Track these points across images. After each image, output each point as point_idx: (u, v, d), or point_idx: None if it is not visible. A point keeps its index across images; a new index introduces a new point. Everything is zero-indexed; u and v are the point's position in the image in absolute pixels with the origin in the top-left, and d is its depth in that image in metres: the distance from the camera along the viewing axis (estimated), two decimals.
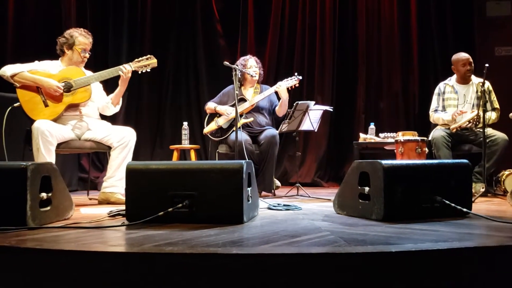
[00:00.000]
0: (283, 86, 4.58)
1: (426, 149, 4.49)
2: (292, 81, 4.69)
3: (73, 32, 3.94)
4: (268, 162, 4.45)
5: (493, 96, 4.77)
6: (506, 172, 4.41)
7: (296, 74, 4.74)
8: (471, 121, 4.50)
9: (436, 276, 1.62)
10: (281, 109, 4.73)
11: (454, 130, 4.61)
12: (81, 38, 3.93)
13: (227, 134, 4.62)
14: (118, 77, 3.95)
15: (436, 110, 4.95)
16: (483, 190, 3.99)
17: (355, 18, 6.61)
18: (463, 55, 4.84)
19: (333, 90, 6.52)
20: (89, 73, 3.99)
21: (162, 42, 6.46)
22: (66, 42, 3.92)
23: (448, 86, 4.92)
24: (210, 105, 4.81)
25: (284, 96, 4.62)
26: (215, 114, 4.76)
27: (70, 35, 3.92)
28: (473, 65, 4.82)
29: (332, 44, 6.54)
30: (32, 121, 3.63)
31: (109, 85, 4.35)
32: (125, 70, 3.91)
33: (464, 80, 4.84)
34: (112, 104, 4.10)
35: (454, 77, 4.94)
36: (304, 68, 6.46)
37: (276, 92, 4.74)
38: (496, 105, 4.75)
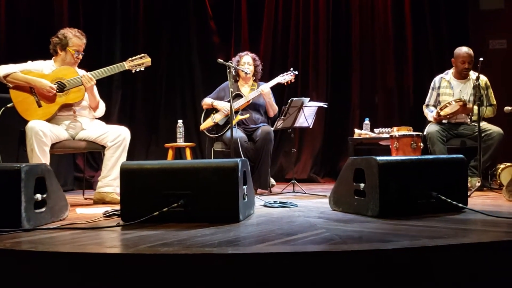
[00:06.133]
0: (266, 89, 4.61)
1: (421, 144, 4.49)
2: (288, 76, 4.70)
3: (67, 32, 3.90)
4: (263, 159, 4.45)
5: (491, 92, 4.73)
6: (502, 166, 4.42)
7: (291, 69, 4.75)
8: (469, 114, 4.47)
9: (431, 272, 1.62)
10: (268, 110, 4.80)
11: (445, 120, 4.60)
12: (75, 39, 3.88)
13: (223, 131, 4.61)
14: (112, 76, 3.93)
15: (427, 105, 4.93)
16: (479, 184, 4.00)
17: (349, 13, 6.59)
18: (464, 52, 4.69)
19: (328, 86, 6.51)
20: (82, 72, 3.96)
21: (156, 41, 6.43)
22: (60, 43, 3.88)
23: (444, 80, 4.83)
24: (207, 101, 4.80)
25: (267, 98, 4.67)
26: (211, 111, 4.75)
27: (64, 35, 3.88)
28: (473, 62, 4.66)
29: (326, 40, 6.53)
30: (25, 122, 3.61)
31: (103, 85, 4.32)
32: (85, 79, 3.81)
33: (460, 76, 4.77)
34: (91, 109, 4.04)
35: (452, 70, 4.86)
36: (298, 65, 6.44)
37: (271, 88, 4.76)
38: (493, 101, 4.72)
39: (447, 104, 4.48)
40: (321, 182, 6.21)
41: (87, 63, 4.22)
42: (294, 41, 6.59)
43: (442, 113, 4.51)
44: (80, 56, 3.95)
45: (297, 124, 4.49)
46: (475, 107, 4.17)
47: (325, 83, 6.50)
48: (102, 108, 4.14)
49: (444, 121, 4.64)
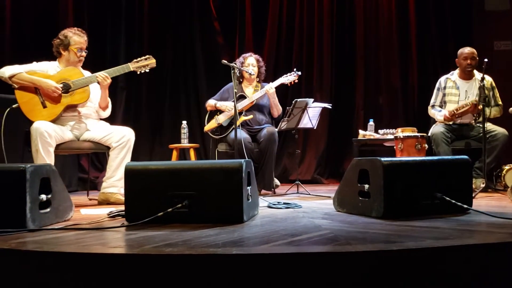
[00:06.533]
0: (272, 89, 4.61)
1: (426, 145, 4.47)
2: (291, 76, 4.70)
3: (67, 32, 3.91)
4: (267, 160, 4.45)
5: (496, 93, 4.72)
6: (507, 167, 4.41)
7: (295, 69, 4.75)
8: (474, 114, 4.45)
9: (437, 274, 1.62)
10: (272, 110, 4.80)
11: (452, 121, 4.58)
12: (76, 37, 3.90)
13: (227, 132, 4.62)
14: (116, 77, 3.94)
15: (433, 106, 4.91)
16: (484, 185, 3.98)
17: (353, 13, 6.59)
18: (467, 49, 4.73)
19: (332, 87, 6.52)
20: (87, 73, 3.97)
21: (160, 41, 6.44)
22: (61, 43, 3.89)
23: (450, 81, 4.81)
24: (211, 102, 4.81)
25: (272, 98, 4.68)
26: (215, 112, 4.76)
27: (65, 35, 3.89)
28: (476, 60, 4.68)
29: (330, 40, 6.54)
30: (30, 122, 3.62)
31: None
32: (100, 78, 3.84)
33: (465, 74, 4.75)
34: (101, 109, 4.07)
35: (457, 71, 4.84)
36: (302, 65, 6.44)
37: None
38: (499, 101, 4.70)
39: (464, 105, 4.47)
40: (325, 183, 6.21)
41: (92, 64, 4.22)
42: (298, 42, 6.59)
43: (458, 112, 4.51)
44: (84, 54, 3.95)
45: (301, 125, 4.49)
46: (481, 107, 4.17)
47: (329, 84, 6.51)
48: (109, 109, 4.16)
49: (450, 122, 4.63)
